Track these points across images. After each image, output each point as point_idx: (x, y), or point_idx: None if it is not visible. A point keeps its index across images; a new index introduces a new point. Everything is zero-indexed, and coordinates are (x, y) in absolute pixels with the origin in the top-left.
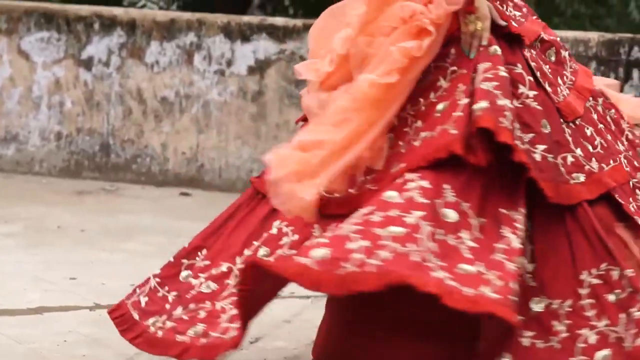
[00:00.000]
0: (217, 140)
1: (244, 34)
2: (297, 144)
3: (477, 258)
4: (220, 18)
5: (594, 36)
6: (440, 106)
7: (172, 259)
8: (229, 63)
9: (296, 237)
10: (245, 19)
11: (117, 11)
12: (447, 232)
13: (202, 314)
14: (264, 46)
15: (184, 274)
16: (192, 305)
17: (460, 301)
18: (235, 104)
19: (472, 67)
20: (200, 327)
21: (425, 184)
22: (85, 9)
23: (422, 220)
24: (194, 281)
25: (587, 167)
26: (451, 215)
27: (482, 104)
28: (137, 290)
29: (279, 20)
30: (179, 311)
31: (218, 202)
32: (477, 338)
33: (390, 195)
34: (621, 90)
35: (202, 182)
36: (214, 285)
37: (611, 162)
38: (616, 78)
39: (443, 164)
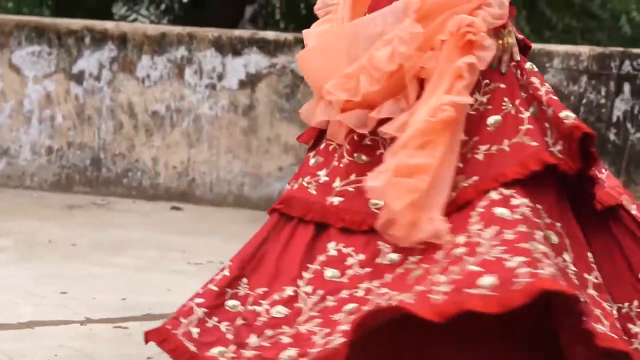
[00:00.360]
0: (208, 154)
1: (235, 48)
2: (396, 170)
3: (581, 286)
4: (211, 32)
5: (585, 50)
6: (491, 120)
7: (214, 287)
8: (220, 77)
9: (362, 256)
10: (237, 33)
11: (108, 25)
12: (557, 254)
13: (286, 339)
14: (255, 60)
15: (230, 303)
16: (268, 332)
17: (610, 341)
18: (226, 118)
19: (512, 81)
20: (292, 350)
21: (527, 201)
22: (76, 23)
23: (541, 240)
24: (258, 308)
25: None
26: (553, 237)
27: (567, 113)
28: (183, 320)
29: (270, 34)
30: (253, 339)
31: (209, 216)
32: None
33: (502, 212)
34: (612, 105)
35: (193, 196)
36: (284, 310)
37: None
38: (607, 92)
39: (526, 181)
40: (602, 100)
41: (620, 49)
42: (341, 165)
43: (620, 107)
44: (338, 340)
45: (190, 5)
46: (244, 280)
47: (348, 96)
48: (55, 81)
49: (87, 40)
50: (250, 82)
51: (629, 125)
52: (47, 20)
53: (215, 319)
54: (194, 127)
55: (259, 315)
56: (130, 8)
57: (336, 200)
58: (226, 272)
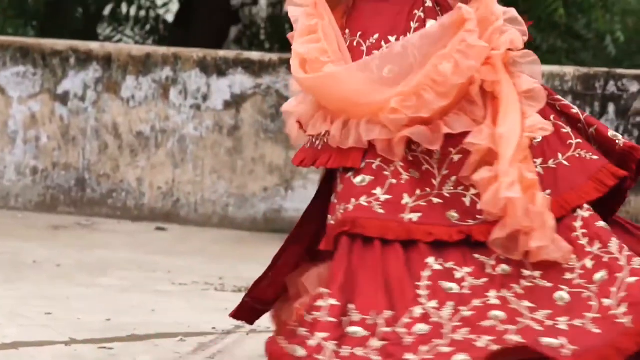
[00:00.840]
0: (193, 174)
1: (220, 69)
2: (520, 182)
3: None
4: (196, 52)
5: (569, 70)
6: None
7: (332, 319)
8: (205, 97)
9: (467, 269)
10: (221, 53)
11: (93, 45)
12: None
13: (447, 349)
14: (239, 80)
15: (350, 330)
16: (423, 348)
17: None
18: (211, 138)
19: None
20: (462, 356)
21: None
22: (61, 44)
23: None
24: (399, 330)
25: None
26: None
27: (614, 132)
28: (318, 357)
29: (254, 55)
30: (412, 357)
31: (194, 237)
32: None
33: (604, 225)
34: None
35: (178, 216)
36: (426, 327)
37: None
38: (592, 112)
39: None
40: None
41: (605, 69)
42: (402, 181)
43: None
44: (514, 337)
45: (175, 25)
46: (351, 306)
47: (412, 113)
48: (40, 102)
49: (72, 60)
50: (235, 102)
51: None
52: (32, 40)
53: (347, 347)
54: (178, 147)
55: (402, 336)
56: (115, 29)
57: (414, 216)
58: (333, 301)
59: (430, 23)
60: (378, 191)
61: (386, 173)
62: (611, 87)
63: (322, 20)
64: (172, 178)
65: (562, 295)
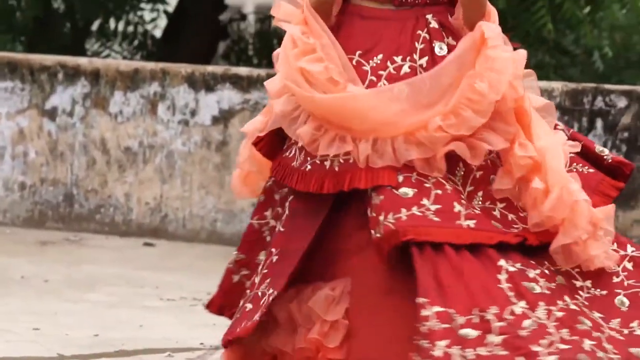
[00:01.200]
0: (181, 190)
1: (208, 84)
2: (580, 188)
3: None
4: (184, 68)
5: (557, 86)
6: None
7: (445, 325)
8: (193, 113)
9: (534, 271)
10: (209, 68)
11: (81, 61)
12: None
13: (570, 337)
14: (228, 96)
15: (462, 332)
16: (543, 341)
17: None
18: (199, 154)
19: None
20: (588, 341)
21: None
22: (49, 59)
23: None
24: (514, 328)
25: None
26: None
27: (602, 148)
28: None
29: (242, 70)
30: (537, 348)
31: (182, 252)
32: None
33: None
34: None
35: (166, 232)
36: (531, 322)
37: None
38: (579, 128)
39: None
40: None
41: (593, 84)
42: (448, 191)
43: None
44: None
45: (163, 41)
46: (450, 310)
47: (455, 131)
48: (28, 117)
49: (60, 76)
50: (223, 118)
51: None
52: (20, 56)
53: (470, 349)
54: (166, 163)
55: (517, 331)
56: (103, 44)
57: (471, 222)
58: (437, 308)
59: (437, 45)
60: (426, 202)
61: (427, 185)
62: (599, 103)
63: (320, 39)
64: (160, 193)
65: (622, 299)
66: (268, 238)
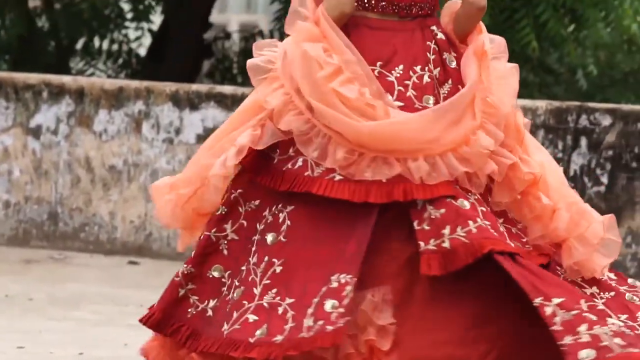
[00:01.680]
0: None
1: (193, 103)
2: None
3: None
4: (169, 86)
5: (542, 104)
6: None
7: (588, 312)
8: (178, 131)
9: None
10: (194, 87)
11: (65, 79)
12: None
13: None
14: (212, 114)
15: (587, 315)
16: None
17: None
18: None
19: None
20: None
21: None
22: (33, 77)
23: None
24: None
25: None
26: None
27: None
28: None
29: (227, 89)
30: (613, 320)
31: (166, 271)
32: None
33: None
34: (569, 159)
35: (151, 250)
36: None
37: None
38: (564, 146)
39: None
40: (559, 155)
41: (577, 103)
42: (488, 210)
43: (577, 161)
44: None
45: (148, 59)
46: (566, 298)
47: (493, 147)
48: (12, 135)
49: (45, 94)
50: (207, 136)
51: (585, 179)
52: (4, 74)
53: (605, 327)
54: (151, 181)
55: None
56: (88, 62)
57: (511, 242)
58: (557, 299)
59: (446, 56)
60: (480, 218)
61: (472, 201)
62: (583, 121)
63: (343, 55)
64: (145, 212)
65: (632, 297)
66: (225, 252)
